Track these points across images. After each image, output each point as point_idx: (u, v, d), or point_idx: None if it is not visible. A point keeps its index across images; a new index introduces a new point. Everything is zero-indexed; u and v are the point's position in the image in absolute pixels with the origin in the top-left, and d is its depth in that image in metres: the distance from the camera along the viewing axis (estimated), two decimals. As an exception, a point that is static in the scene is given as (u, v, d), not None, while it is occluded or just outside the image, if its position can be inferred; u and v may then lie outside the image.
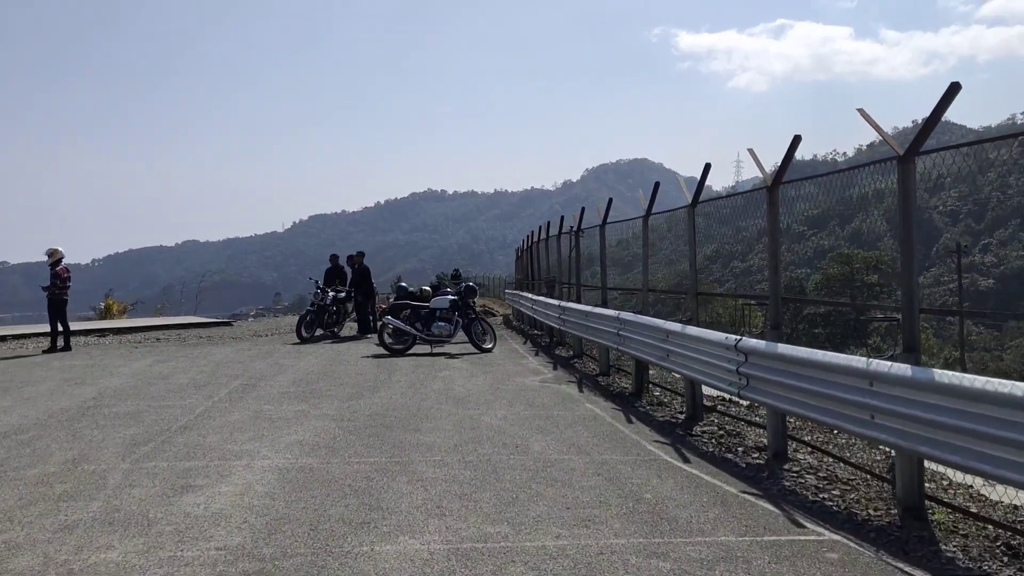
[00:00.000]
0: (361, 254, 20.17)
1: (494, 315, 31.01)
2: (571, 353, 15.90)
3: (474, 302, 16.67)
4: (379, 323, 16.28)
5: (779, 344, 7.24)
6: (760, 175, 8.22)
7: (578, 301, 15.98)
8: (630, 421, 9.48)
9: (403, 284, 18.78)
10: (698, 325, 9.82)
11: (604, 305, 14.13)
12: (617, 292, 14.52)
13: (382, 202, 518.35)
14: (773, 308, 8.09)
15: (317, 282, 19.22)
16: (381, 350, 15.95)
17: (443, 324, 16.08)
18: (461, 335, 16.40)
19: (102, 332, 20.44)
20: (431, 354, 15.79)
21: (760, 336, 8.06)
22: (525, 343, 18.17)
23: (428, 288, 18.39)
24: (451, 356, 15.45)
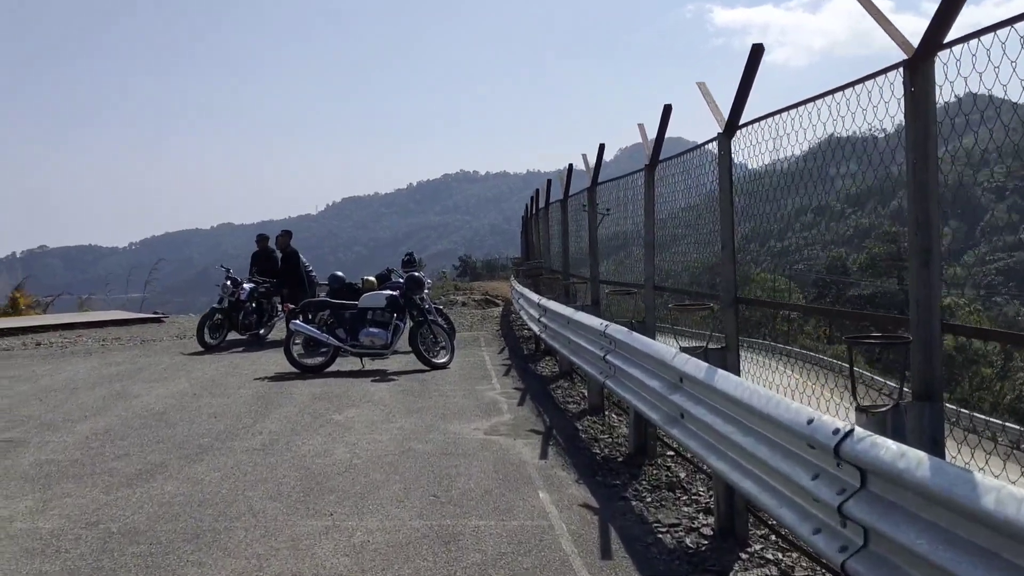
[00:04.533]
0: (287, 233, 15.51)
1: (497, 304, 26.47)
2: (556, 370, 11.28)
3: (422, 298, 12.05)
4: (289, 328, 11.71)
5: (952, 466, 2.59)
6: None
7: (566, 298, 11.35)
8: (606, 554, 4.84)
9: (339, 274, 14.17)
10: (735, 361, 5.19)
11: (595, 305, 9.49)
12: (608, 288, 9.77)
13: (415, 184, 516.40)
14: (922, 354, 3.43)
15: (228, 271, 14.65)
16: (291, 367, 11.43)
17: (376, 331, 11.47)
18: (407, 342, 11.79)
19: (-31, 335, 16.18)
20: (359, 372, 11.24)
21: (893, 414, 3.40)
22: (502, 351, 13.51)
23: (373, 279, 13.82)
24: (384, 377, 10.89)
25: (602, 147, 9.22)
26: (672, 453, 7.20)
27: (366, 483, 6.12)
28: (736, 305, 5.54)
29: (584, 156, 10.02)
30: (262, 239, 15.81)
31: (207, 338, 13.84)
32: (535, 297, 11.74)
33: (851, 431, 3.18)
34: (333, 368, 11.42)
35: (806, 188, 5.21)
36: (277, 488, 5.98)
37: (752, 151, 5.58)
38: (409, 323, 11.83)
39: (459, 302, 26.51)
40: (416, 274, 12.07)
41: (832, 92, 4.16)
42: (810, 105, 4.48)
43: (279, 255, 15.40)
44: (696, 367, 4.96)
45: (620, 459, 6.97)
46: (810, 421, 3.42)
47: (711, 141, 5.88)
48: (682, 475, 6.50)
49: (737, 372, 5.32)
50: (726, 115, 5.40)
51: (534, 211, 17.82)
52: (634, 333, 6.49)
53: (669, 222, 8.94)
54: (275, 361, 12.18)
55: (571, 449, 7.24)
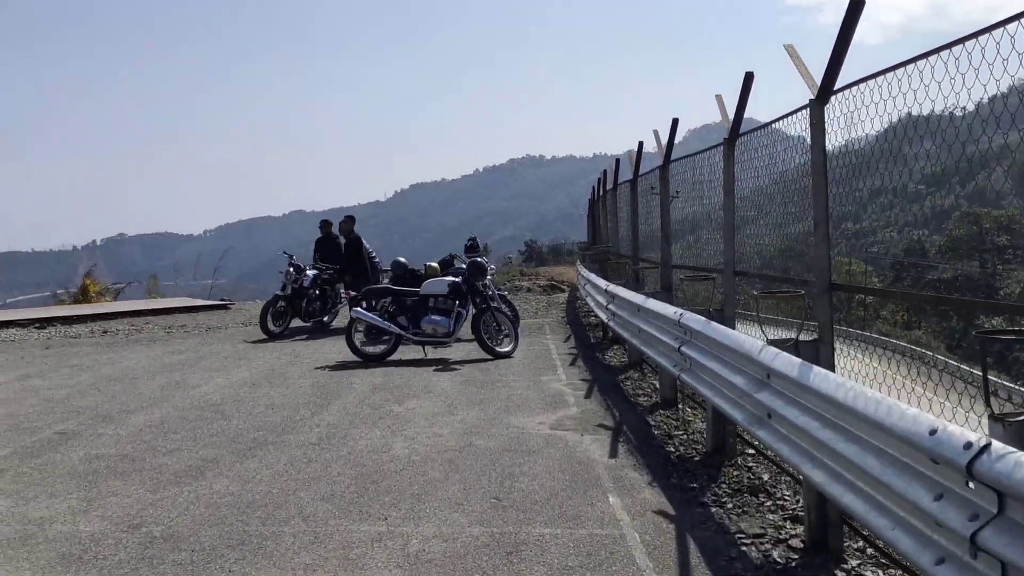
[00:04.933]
0: (351, 219, 15.23)
1: (562, 290, 26.00)
2: (625, 360, 10.77)
3: (485, 285, 11.64)
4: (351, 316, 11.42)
5: None
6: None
7: (636, 284, 10.81)
8: (685, 570, 4.37)
9: (401, 260, 13.83)
10: (830, 355, 4.66)
11: (667, 292, 8.97)
12: (683, 273, 9.13)
13: (480, 169, 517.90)
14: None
15: (291, 257, 14.48)
16: (353, 355, 11.15)
17: (438, 319, 11.11)
18: (470, 330, 11.41)
19: (42, 323, 16.35)
20: (421, 361, 10.91)
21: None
22: (568, 339, 13.04)
23: (435, 265, 13.45)
24: (446, 366, 10.53)
25: (675, 122, 8.63)
26: (753, 452, 6.68)
27: (424, 483, 5.74)
28: (831, 292, 4.97)
29: (656, 132, 9.46)
30: (325, 225, 15.60)
31: (270, 325, 13.70)
32: (602, 283, 11.24)
33: (988, 446, 2.64)
34: (395, 356, 11.12)
35: (886, 168, 4.63)
36: (330, 488, 5.63)
37: (844, 121, 4.99)
38: (472, 310, 11.46)
39: (524, 288, 26.13)
40: (479, 260, 11.68)
41: (952, 45, 3.58)
42: (922, 63, 3.90)
43: (342, 241, 15.17)
44: (787, 363, 4.43)
45: (697, 458, 6.47)
46: (933, 431, 2.88)
47: (802, 109, 5.29)
48: (765, 477, 5.98)
49: (832, 367, 4.76)
50: (818, 80, 4.82)
51: (601, 193, 17.26)
52: (713, 323, 5.96)
53: (740, 204, 8.40)
54: (337, 349, 11.93)
55: (643, 447, 6.75)
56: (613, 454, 6.50)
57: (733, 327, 6.90)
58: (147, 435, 7.19)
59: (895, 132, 4.44)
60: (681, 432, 7.31)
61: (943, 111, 3.82)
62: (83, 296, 20.79)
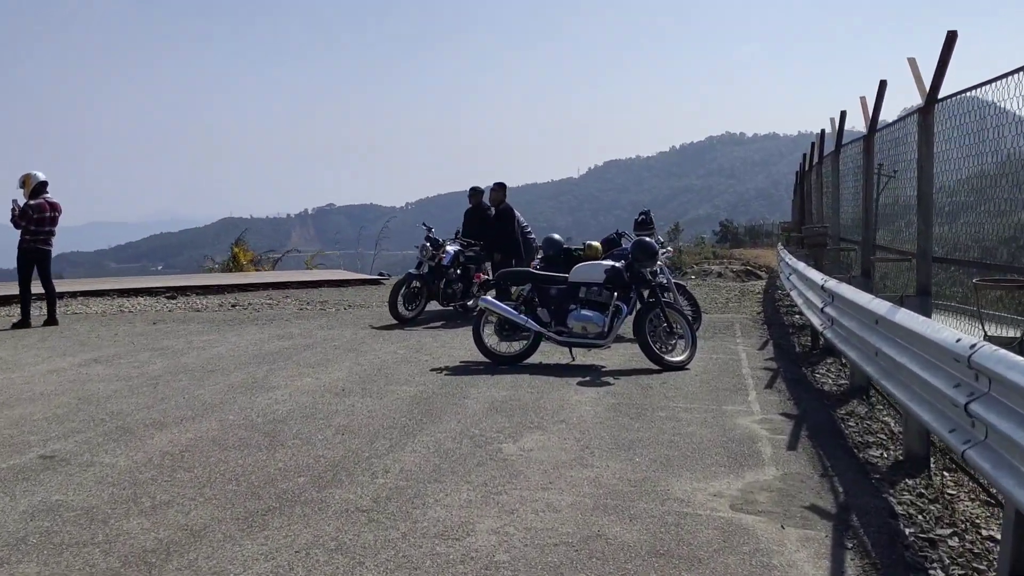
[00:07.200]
0: (501, 187, 12.82)
1: (759, 277, 22.73)
2: (845, 383, 7.83)
3: (655, 271, 8.95)
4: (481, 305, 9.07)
5: None
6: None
7: (864, 281, 7.81)
8: None
9: (555, 237, 11.32)
10: None
11: (924, 296, 6.00)
12: (974, 276, 5.95)
13: (677, 146, 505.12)
14: None
15: (430, 230, 12.32)
16: (483, 354, 8.85)
17: (589, 314, 8.55)
18: (629, 327, 8.77)
19: (175, 292, 15.18)
20: (564, 368, 8.43)
21: None
22: (764, 346, 10.07)
23: (596, 244, 10.89)
24: (595, 378, 7.99)
25: (952, 36, 5.54)
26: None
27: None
28: None
29: (911, 60, 6.40)
30: (475, 193, 13.26)
31: (401, 309, 11.66)
32: (816, 276, 8.29)
33: None
34: (534, 359, 8.72)
35: None
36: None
37: None
38: (637, 303, 8.84)
39: (714, 272, 23.12)
40: (646, 239, 8.92)
41: None
42: None
43: (493, 212, 12.87)
44: None
45: (988, 592, 3.65)
46: None
47: None
48: None
49: None
50: None
51: (815, 160, 14.05)
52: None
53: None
54: (470, 344, 9.66)
55: (889, 562, 3.96)
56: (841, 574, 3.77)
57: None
58: (148, 471, 5.15)
59: None
60: (947, 529, 4.46)
61: None
62: (234, 265, 19.87)
